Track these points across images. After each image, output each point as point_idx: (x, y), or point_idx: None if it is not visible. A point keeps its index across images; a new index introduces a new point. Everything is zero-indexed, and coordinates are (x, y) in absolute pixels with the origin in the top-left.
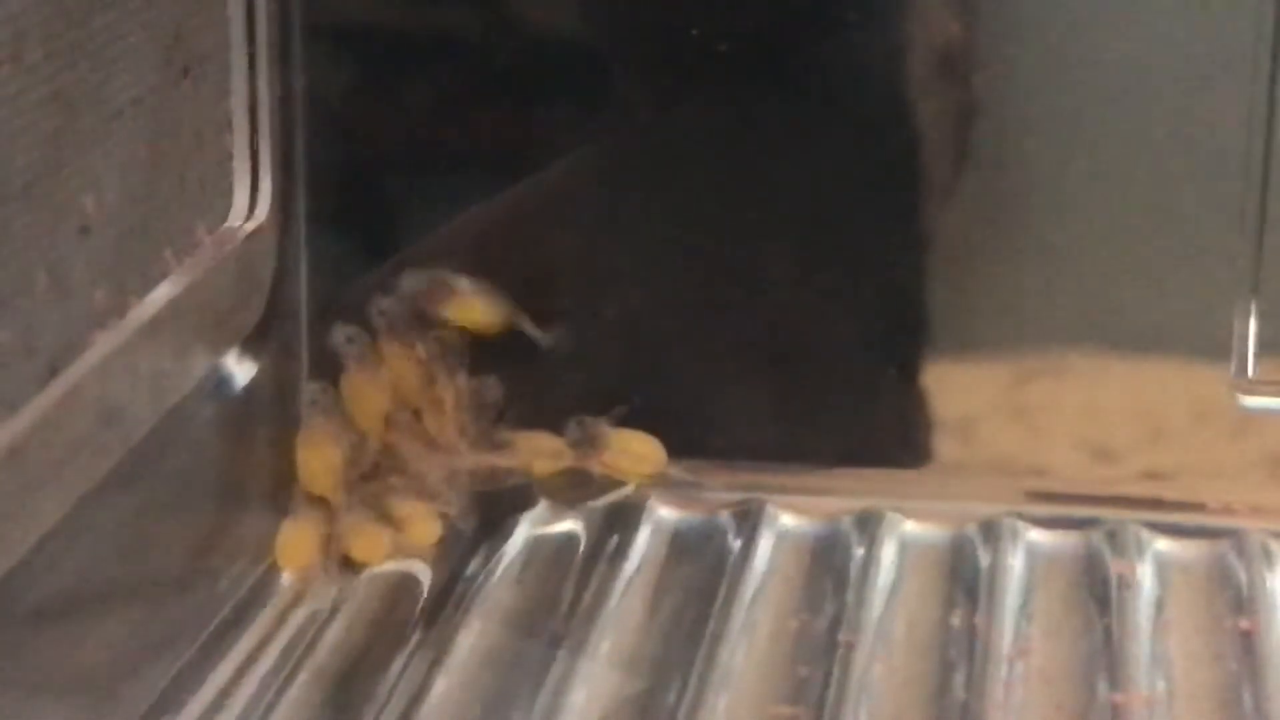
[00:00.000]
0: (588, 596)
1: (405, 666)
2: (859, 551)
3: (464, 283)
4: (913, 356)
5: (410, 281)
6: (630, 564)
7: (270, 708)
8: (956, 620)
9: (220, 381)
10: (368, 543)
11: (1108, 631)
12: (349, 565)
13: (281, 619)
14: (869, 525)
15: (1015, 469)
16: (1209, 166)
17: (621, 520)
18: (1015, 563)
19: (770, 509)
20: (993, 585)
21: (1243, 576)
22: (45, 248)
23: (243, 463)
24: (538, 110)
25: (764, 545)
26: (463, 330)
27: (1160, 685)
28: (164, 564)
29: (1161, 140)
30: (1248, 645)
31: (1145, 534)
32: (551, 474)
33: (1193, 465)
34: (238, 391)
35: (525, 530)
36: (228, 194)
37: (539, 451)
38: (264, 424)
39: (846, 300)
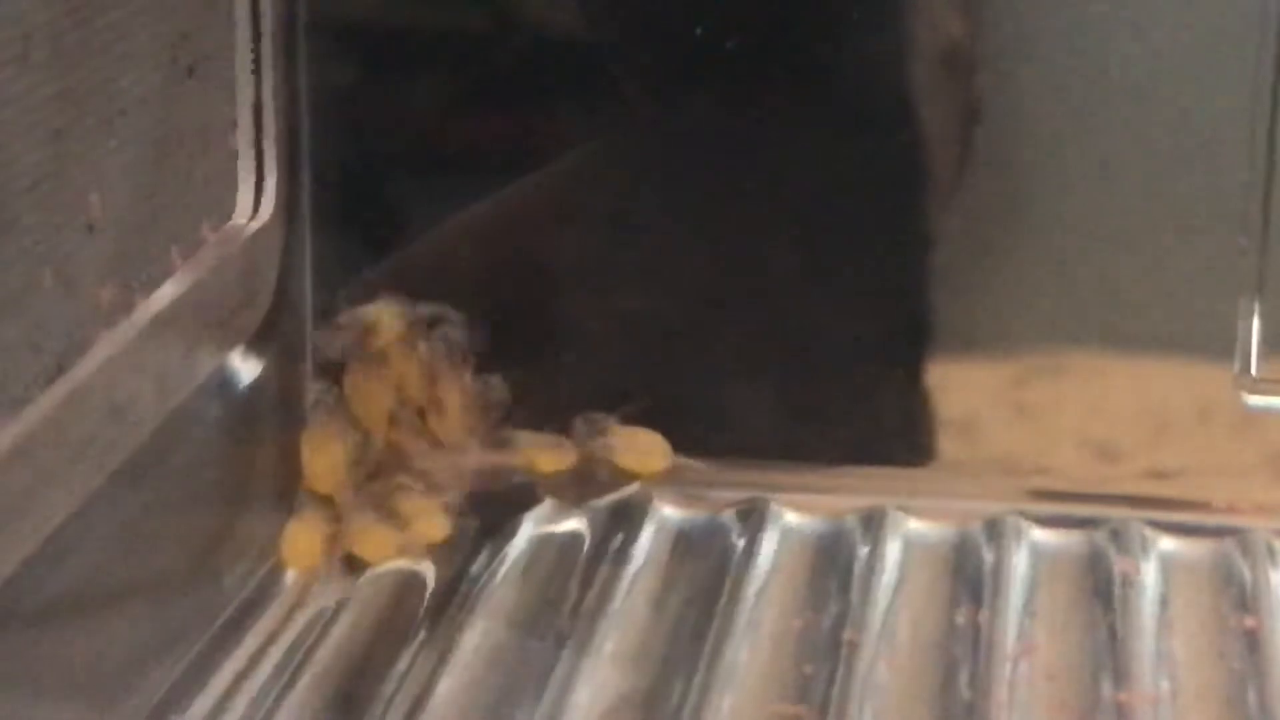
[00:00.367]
0: (592, 595)
1: (410, 665)
2: (863, 550)
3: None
4: (917, 355)
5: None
6: (635, 562)
7: (275, 706)
8: (960, 619)
9: (225, 380)
10: (372, 541)
11: (1112, 630)
12: (354, 564)
13: (286, 617)
14: (873, 524)
15: (1019, 467)
16: (1213, 165)
17: (626, 519)
18: (1019, 561)
19: (774, 507)
20: (997, 584)
21: (1247, 575)
22: (51, 246)
23: (248, 461)
24: (543, 109)
25: (768, 544)
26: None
27: (1164, 684)
28: (169, 562)
29: (1165, 139)
30: (1252, 644)
31: (1149, 532)
32: (556, 472)
33: (1197, 464)
34: (242, 390)
35: (530, 529)
36: (233, 192)
37: (543, 450)
38: (269, 423)
39: (851, 299)
